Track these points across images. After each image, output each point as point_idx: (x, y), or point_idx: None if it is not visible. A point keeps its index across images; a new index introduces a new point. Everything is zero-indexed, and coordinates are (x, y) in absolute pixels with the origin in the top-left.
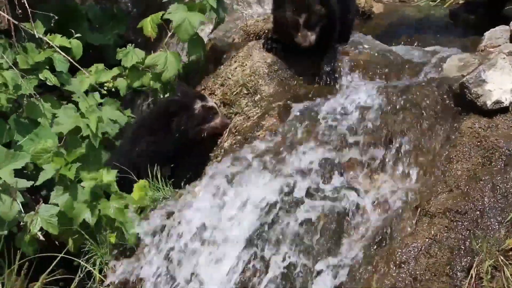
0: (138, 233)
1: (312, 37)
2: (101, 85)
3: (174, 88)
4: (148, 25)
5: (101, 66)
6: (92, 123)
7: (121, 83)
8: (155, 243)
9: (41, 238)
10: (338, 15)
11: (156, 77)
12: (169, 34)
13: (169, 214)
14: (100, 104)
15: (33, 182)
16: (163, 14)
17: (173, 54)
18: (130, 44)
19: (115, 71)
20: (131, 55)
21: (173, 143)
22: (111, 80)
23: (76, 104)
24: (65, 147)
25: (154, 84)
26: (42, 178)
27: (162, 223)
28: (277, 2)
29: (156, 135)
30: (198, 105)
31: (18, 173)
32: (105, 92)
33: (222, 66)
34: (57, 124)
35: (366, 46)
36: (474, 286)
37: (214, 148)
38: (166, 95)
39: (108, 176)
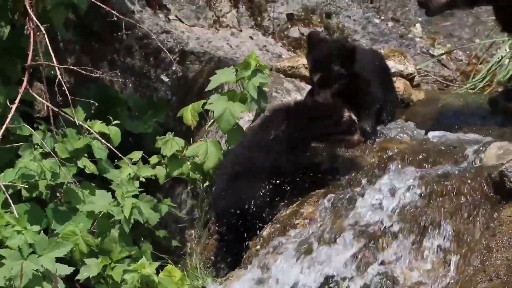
0: None
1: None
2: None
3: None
4: (189, 113)
5: (139, 153)
6: (126, 208)
7: (160, 172)
8: None
9: None
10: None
11: (196, 167)
12: (209, 122)
13: None
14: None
15: (74, 268)
16: (204, 103)
17: (213, 143)
18: (169, 132)
19: (154, 159)
20: (171, 144)
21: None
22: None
23: (113, 192)
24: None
25: (194, 174)
26: (85, 273)
27: None
28: None
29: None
30: (346, 113)
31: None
32: (143, 180)
33: None
34: (90, 203)
35: (405, 133)
36: None
37: (254, 236)
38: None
39: (149, 268)
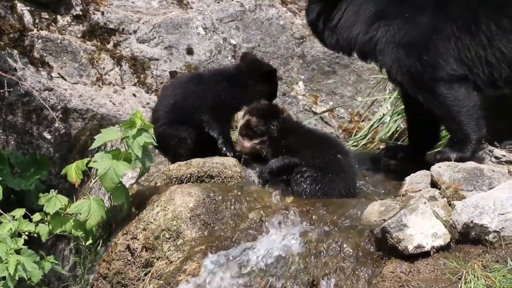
0: None
1: None
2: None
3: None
4: (73, 171)
5: (21, 211)
6: (11, 265)
7: (43, 229)
8: None
9: None
10: None
11: (79, 225)
12: (92, 180)
13: None
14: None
15: None
16: (88, 161)
17: (96, 201)
18: (53, 190)
19: (37, 216)
20: (54, 201)
21: None
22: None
23: None
24: None
25: (76, 232)
26: None
27: None
28: None
29: None
30: None
31: None
32: (25, 237)
33: (144, 211)
34: None
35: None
36: None
37: None
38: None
39: None
